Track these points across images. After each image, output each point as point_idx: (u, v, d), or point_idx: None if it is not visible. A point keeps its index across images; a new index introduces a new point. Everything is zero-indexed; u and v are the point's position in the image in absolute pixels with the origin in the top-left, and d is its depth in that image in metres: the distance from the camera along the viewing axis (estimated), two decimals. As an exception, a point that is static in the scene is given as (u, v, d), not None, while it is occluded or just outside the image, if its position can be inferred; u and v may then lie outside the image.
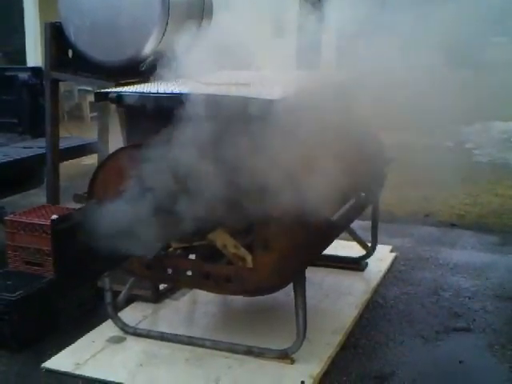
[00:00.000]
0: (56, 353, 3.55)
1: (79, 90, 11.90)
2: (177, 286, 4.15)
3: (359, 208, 3.92)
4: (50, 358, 3.51)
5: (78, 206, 3.78)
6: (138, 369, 3.39)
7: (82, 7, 4.33)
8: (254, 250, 3.24)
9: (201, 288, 3.59)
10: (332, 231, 3.71)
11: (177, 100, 3.06)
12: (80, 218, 3.01)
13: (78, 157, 6.02)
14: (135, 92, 3.42)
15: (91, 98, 9.56)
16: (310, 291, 3.47)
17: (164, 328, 3.80)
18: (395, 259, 5.03)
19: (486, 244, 5.45)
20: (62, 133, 5.30)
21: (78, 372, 3.37)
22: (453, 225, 5.92)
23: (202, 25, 4.42)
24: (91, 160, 5.86)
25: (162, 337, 3.68)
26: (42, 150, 4.98)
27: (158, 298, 4.16)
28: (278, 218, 3.10)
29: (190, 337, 3.65)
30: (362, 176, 3.67)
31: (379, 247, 4.91)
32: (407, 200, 6.55)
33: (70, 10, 4.40)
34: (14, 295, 3.59)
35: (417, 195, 6.63)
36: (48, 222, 3.83)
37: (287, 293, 3.48)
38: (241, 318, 4.01)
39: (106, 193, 3.27)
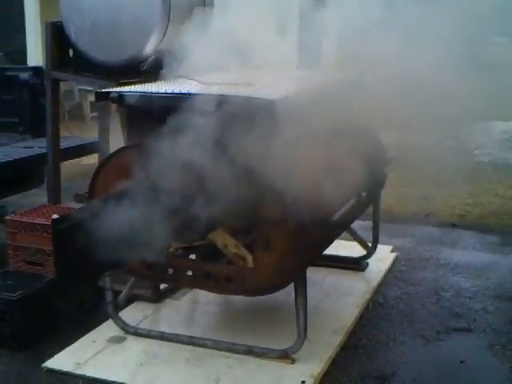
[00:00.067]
0: (56, 352, 3.55)
1: (80, 90, 11.90)
2: (177, 285, 4.15)
3: (360, 208, 3.92)
4: (50, 357, 3.51)
5: (78, 205, 3.79)
6: (138, 368, 3.39)
7: (83, 7, 4.33)
8: (255, 250, 3.24)
9: (201, 288, 3.59)
10: (333, 231, 3.71)
11: (177, 100, 3.06)
12: (81, 217, 3.01)
13: (78, 156, 6.03)
14: (136, 92, 3.42)
15: (92, 97, 9.53)
16: (310, 291, 3.47)
17: (164, 328, 3.80)
18: (396, 259, 5.02)
19: (487, 244, 5.45)
20: (63, 132, 5.31)
21: (78, 372, 3.37)
22: (453, 225, 5.92)
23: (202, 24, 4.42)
24: (92, 160, 5.86)
25: (163, 336, 3.68)
26: (43, 150, 4.98)
27: (158, 297, 4.16)
28: (279, 218, 3.10)
29: (191, 336, 3.65)
30: (362, 176, 3.66)
31: (380, 247, 4.91)
32: (408, 200, 6.55)
33: (70, 9, 4.40)
34: (14, 295, 3.59)
35: (417, 195, 6.63)
36: (49, 222, 3.83)
37: (288, 293, 3.48)
38: (241, 318, 4.01)
39: (107, 193, 3.27)
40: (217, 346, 3.56)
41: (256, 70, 3.96)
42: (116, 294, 3.82)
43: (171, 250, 3.57)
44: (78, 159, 6.17)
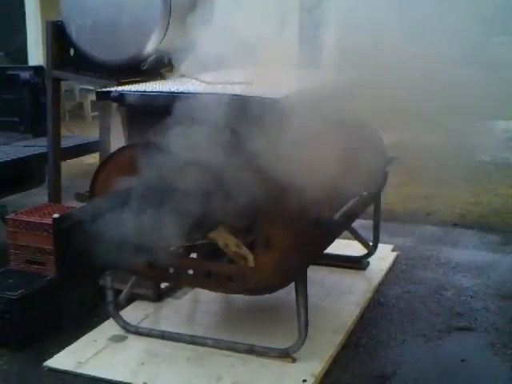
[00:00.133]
0: (57, 352, 3.55)
1: (80, 90, 11.92)
2: (178, 284, 4.15)
3: (361, 207, 3.92)
4: (51, 356, 3.51)
5: (79, 205, 3.79)
6: (139, 368, 3.39)
7: (84, 6, 4.33)
8: (256, 249, 3.24)
9: (202, 287, 3.59)
10: (334, 230, 3.71)
11: (178, 99, 3.06)
12: (82, 217, 3.01)
13: (79, 156, 6.02)
14: (137, 91, 3.42)
15: (93, 97, 9.57)
16: (311, 290, 3.47)
17: (165, 327, 3.80)
18: (397, 258, 5.03)
19: (488, 243, 5.45)
20: (64, 132, 5.31)
21: (79, 371, 3.37)
22: (454, 224, 5.92)
23: (203, 23, 4.42)
24: (93, 159, 5.87)
25: (164, 336, 3.68)
26: (44, 149, 4.98)
27: (159, 296, 4.17)
28: (280, 217, 3.10)
29: (192, 335, 3.65)
30: (363, 175, 3.66)
31: (381, 246, 4.91)
32: (409, 199, 6.55)
33: (71, 8, 4.40)
34: (15, 294, 3.59)
35: (418, 194, 6.63)
36: (50, 221, 3.83)
37: (289, 292, 3.48)
38: (242, 317, 4.01)
39: (108, 192, 3.27)
40: (218, 345, 3.56)
41: (256, 69, 3.96)
42: (117, 293, 3.82)
43: (172, 249, 3.58)
44: (78, 158, 6.16)
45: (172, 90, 3.37)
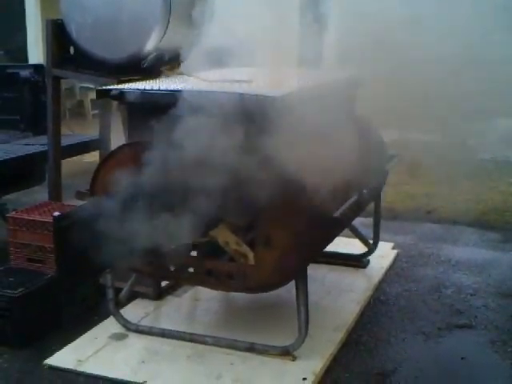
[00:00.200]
0: (58, 349, 3.56)
1: (81, 88, 11.91)
2: (179, 283, 4.15)
3: (361, 205, 3.92)
4: (52, 354, 3.51)
5: (80, 203, 3.79)
6: (139, 365, 3.39)
7: (84, 4, 4.32)
8: (256, 247, 3.24)
9: (203, 285, 3.60)
10: (334, 228, 3.71)
11: (178, 97, 3.06)
12: (82, 215, 3.02)
13: (79, 154, 6.04)
14: (137, 89, 3.41)
15: (93, 95, 9.57)
16: (311, 288, 3.47)
17: (166, 325, 3.80)
18: (397, 256, 5.03)
19: (488, 241, 5.45)
20: (64, 130, 5.31)
21: (80, 369, 3.38)
22: (455, 222, 5.92)
23: (203, 22, 4.42)
24: (93, 157, 5.87)
25: (164, 334, 3.68)
26: (44, 148, 4.98)
27: (159, 294, 4.17)
28: (280, 215, 3.10)
29: (192, 333, 3.65)
30: (364, 173, 3.66)
31: (381, 244, 4.91)
32: (409, 197, 6.56)
33: (71, 6, 4.39)
34: (15, 292, 3.59)
35: (419, 192, 6.63)
36: (50, 219, 3.84)
37: (289, 290, 3.48)
38: (243, 315, 4.01)
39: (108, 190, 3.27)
40: (218, 342, 3.56)
41: (256, 68, 3.96)
42: (117, 291, 3.83)
43: (172, 247, 3.58)
44: (79, 157, 6.18)
45: (172, 88, 3.37)
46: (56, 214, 3.86)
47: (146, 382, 3.24)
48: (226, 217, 3.19)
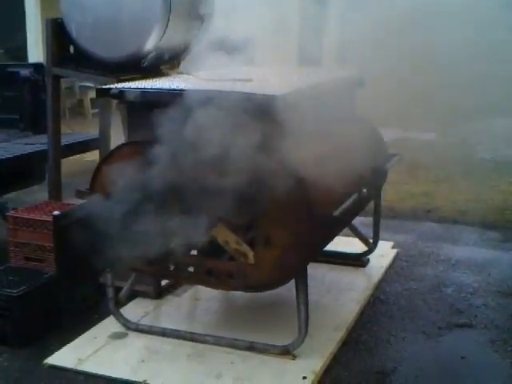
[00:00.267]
0: (58, 349, 3.56)
1: (80, 87, 11.91)
2: (178, 282, 4.15)
3: (361, 204, 3.92)
4: (51, 353, 3.51)
5: (80, 202, 3.79)
6: (139, 365, 3.39)
7: (84, 3, 4.32)
8: (256, 246, 3.24)
9: (203, 284, 3.59)
10: (334, 227, 3.71)
11: (178, 96, 3.06)
12: (82, 214, 3.01)
13: (79, 153, 6.03)
14: (137, 88, 3.41)
15: (93, 94, 9.57)
16: (311, 287, 3.47)
17: (166, 324, 3.80)
18: (397, 255, 5.02)
19: (488, 240, 5.44)
20: (64, 129, 5.30)
21: (80, 368, 3.38)
22: (455, 221, 5.92)
23: (204, 21, 4.42)
24: (93, 156, 5.87)
25: (164, 333, 3.68)
26: (44, 147, 4.97)
27: (159, 294, 4.17)
28: (280, 214, 3.10)
29: (192, 333, 3.65)
30: (363, 172, 3.66)
31: (381, 243, 4.91)
32: (409, 196, 6.55)
33: (71, 6, 4.39)
34: (15, 291, 3.59)
35: (419, 191, 6.63)
36: (50, 219, 3.84)
37: (289, 289, 3.48)
38: (243, 314, 4.01)
39: (108, 189, 3.27)
40: (218, 342, 3.56)
41: (256, 67, 3.96)
42: (117, 290, 3.83)
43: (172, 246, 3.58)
44: (79, 156, 6.17)
45: (172, 87, 3.37)
46: (56, 213, 3.86)
47: (146, 381, 3.24)
48: (226, 216, 3.18)
